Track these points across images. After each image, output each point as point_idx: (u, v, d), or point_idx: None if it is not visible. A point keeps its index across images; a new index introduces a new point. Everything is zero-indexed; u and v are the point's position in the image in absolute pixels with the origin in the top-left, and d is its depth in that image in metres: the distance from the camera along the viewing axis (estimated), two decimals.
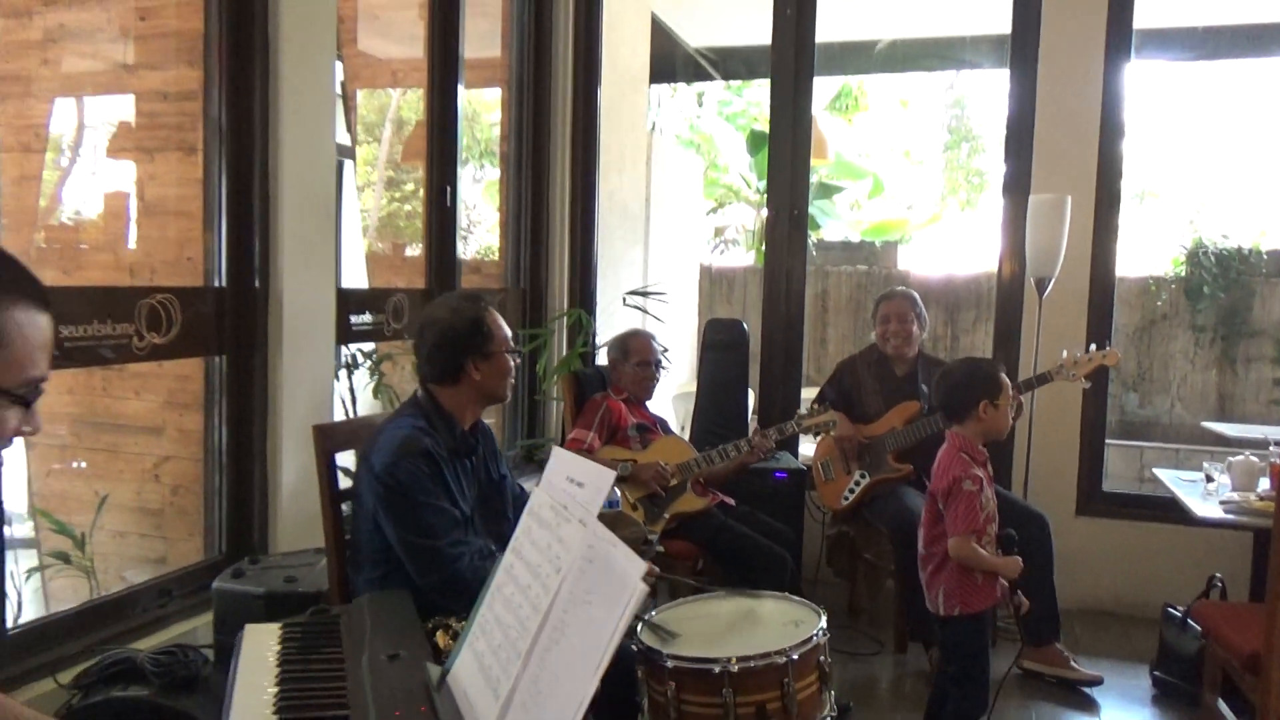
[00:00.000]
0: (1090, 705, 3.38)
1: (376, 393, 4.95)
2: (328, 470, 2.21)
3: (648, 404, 3.73)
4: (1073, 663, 3.52)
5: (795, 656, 1.83)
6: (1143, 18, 4.28)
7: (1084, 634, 3.98)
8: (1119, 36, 4.20)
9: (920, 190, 14.79)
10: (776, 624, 2.00)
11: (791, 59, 4.63)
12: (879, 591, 4.22)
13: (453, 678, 1.31)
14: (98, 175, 3.31)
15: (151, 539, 3.16)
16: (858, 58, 6.86)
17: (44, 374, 1.08)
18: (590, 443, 3.43)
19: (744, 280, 9.22)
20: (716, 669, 1.79)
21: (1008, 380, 2.62)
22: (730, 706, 1.79)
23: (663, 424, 3.72)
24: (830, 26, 4.71)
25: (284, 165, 2.87)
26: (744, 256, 11.26)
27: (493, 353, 2.22)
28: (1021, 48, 4.34)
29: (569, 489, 1.27)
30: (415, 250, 8.55)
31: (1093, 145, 4.22)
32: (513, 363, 2.28)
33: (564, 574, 1.16)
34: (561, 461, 1.32)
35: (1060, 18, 4.24)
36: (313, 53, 2.97)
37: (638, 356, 3.62)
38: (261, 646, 1.54)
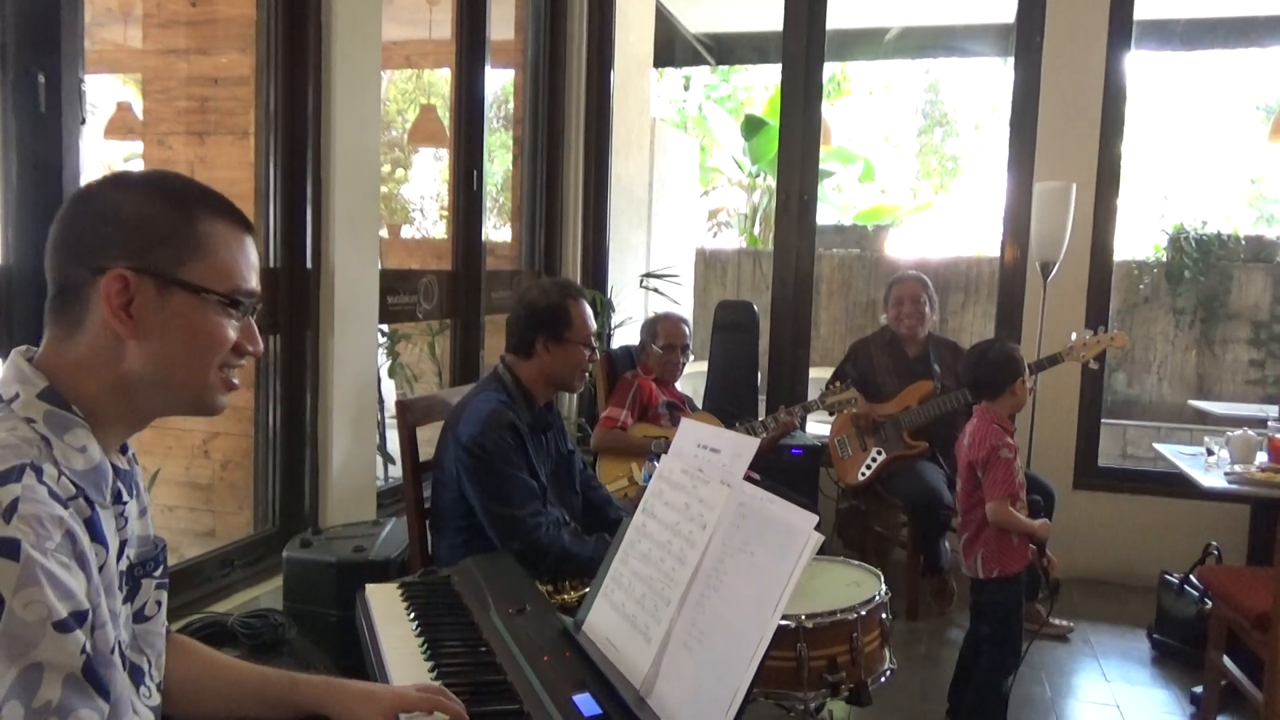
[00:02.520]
0: (1094, 666, 3.58)
1: (392, 372, 5.03)
2: (410, 442, 2.32)
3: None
4: (1051, 619, 3.75)
5: (863, 613, 1.98)
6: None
7: (1082, 601, 4.19)
8: (1120, 26, 4.36)
9: (900, 174, 15.01)
10: (838, 585, 2.15)
11: (803, 45, 4.75)
12: (888, 562, 4.39)
13: (589, 627, 1.43)
14: (150, 159, 3.37)
15: (200, 513, 3.25)
16: (858, 45, 7.01)
17: (256, 290, 1.11)
18: (624, 420, 3.55)
19: (737, 262, 9.37)
20: (792, 625, 1.93)
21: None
22: (804, 659, 1.93)
23: (690, 402, 3.85)
24: (835, 14, 4.82)
25: (335, 148, 2.96)
26: (735, 239, 11.41)
27: (565, 339, 2.32)
28: (1027, 36, 4.49)
29: (703, 454, 1.39)
30: (410, 231, 8.58)
31: (1094, 132, 4.38)
32: (586, 356, 2.37)
33: (711, 529, 1.28)
34: (691, 430, 1.45)
35: (1064, 7, 4.39)
36: (362, 39, 3.05)
37: (664, 340, 3.73)
38: (389, 603, 1.65)
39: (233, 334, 1.09)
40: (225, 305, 1.08)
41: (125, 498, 1.10)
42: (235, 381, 1.12)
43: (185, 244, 1.06)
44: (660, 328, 3.77)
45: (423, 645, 1.48)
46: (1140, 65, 12.65)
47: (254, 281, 1.11)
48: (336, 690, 1.25)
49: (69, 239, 1.06)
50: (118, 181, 1.10)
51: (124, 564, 1.10)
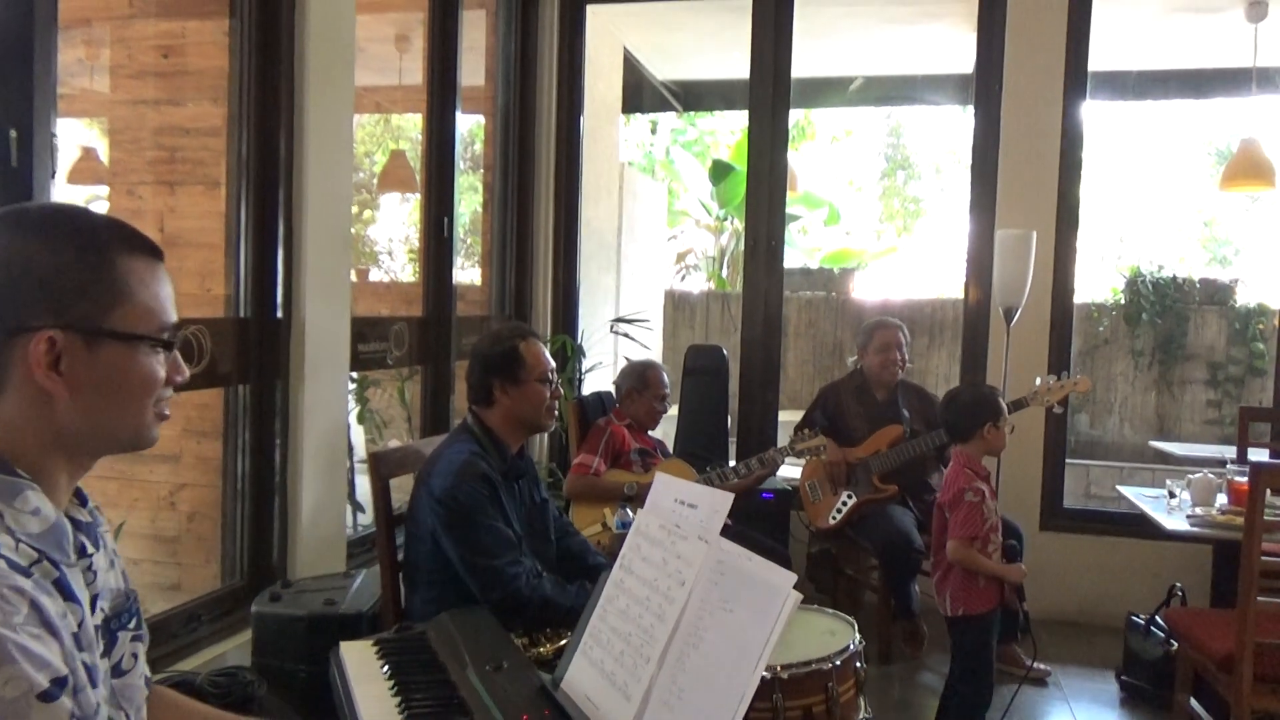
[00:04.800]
0: (1065, 709, 3.60)
1: (360, 418, 4.98)
2: (383, 495, 2.31)
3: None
4: (1027, 661, 3.76)
5: (838, 663, 1.98)
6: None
7: (1051, 642, 4.20)
8: (1075, 77, 4.50)
9: (864, 217, 15.25)
10: (813, 634, 2.15)
11: (769, 94, 4.84)
12: (858, 605, 4.40)
13: (568, 684, 1.43)
14: (118, 207, 3.35)
15: (166, 566, 3.19)
16: (822, 93, 7.16)
17: (177, 321, 1.10)
18: (596, 467, 3.56)
19: (705, 304, 9.45)
20: (768, 675, 1.92)
21: (1004, 404, 2.88)
22: (780, 710, 1.92)
23: (662, 448, 3.86)
24: (800, 64, 4.93)
25: (307, 198, 2.97)
26: (703, 281, 11.51)
27: (522, 380, 2.34)
28: (986, 87, 4.61)
29: (680, 510, 1.40)
30: (377, 274, 8.58)
31: (1053, 178, 4.49)
32: (547, 393, 2.38)
33: (690, 586, 1.29)
34: (667, 485, 1.46)
35: (1021, 59, 4.52)
36: (335, 90, 3.07)
37: (656, 390, 3.76)
38: (364, 661, 1.64)
39: (162, 371, 1.08)
40: (155, 346, 1.06)
41: (90, 550, 1.08)
42: (168, 412, 1.11)
43: (106, 291, 1.03)
44: (651, 377, 3.78)
45: (399, 705, 1.47)
46: (1095, 114, 13.02)
47: (174, 313, 1.10)
48: None
49: None
50: (20, 226, 1.03)
51: (98, 618, 1.08)
